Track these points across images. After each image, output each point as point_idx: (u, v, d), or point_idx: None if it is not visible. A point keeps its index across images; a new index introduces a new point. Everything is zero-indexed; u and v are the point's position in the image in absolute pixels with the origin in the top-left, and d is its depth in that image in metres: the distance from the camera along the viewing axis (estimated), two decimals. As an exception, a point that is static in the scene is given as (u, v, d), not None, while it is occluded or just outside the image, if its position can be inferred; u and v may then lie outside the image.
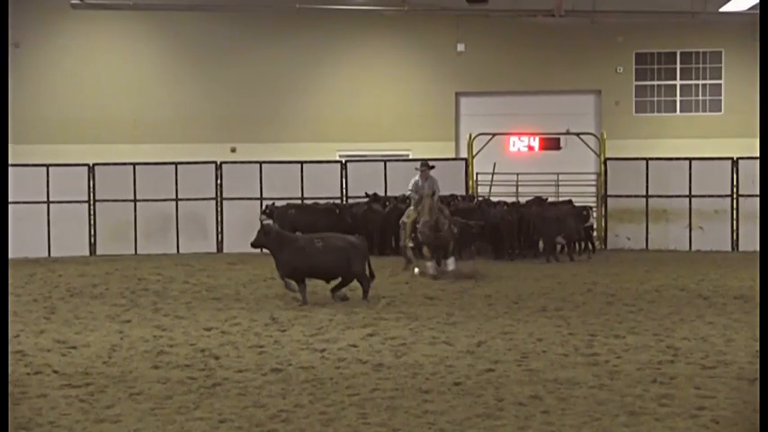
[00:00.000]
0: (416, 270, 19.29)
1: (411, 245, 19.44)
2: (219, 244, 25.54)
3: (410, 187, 20.07)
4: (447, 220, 19.17)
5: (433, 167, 20.14)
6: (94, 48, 32.22)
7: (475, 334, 12.69)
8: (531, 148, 29.94)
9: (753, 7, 26.77)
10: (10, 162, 25.50)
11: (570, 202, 24.42)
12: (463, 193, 25.14)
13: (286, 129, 31.83)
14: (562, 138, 28.81)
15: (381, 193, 25.08)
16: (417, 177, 19.97)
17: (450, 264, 19.06)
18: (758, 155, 18.58)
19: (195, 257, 23.82)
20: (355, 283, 15.70)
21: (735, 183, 25.08)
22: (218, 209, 25.57)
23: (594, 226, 24.47)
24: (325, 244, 15.62)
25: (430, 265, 19.00)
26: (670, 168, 25.44)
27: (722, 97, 31.75)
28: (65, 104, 32.02)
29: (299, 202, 25.11)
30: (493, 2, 27.95)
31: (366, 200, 24.56)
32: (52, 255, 24.61)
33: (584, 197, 26.58)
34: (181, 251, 25.11)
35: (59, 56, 32.25)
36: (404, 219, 20.13)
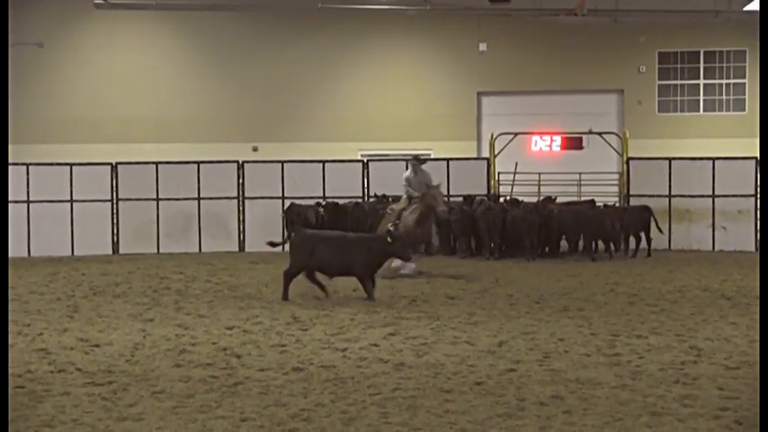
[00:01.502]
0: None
1: (392, 229, 19.20)
2: (241, 243, 25.59)
3: (404, 182, 20.00)
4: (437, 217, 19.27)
5: (424, 162, 20.21)
6: (117, 47, 32.39)
7: (496, 334, 12.67)
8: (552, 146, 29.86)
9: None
10: (34, 161, 25.77)
11: (593, 201, 24.34)
12: (485, 192, 25.07)
13: (307, 128, 31.91)
14: (584, 137, 28.74)
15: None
16: (409, 171, 19.97)
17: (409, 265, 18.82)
18: (759, 154, 18.47)
19: (217, 256, 23.88)
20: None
21: (758, 183, 24.93)
22: (240, 208, 25.63)
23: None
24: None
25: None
26: (693, 168, 25.31)
27: (746, 97, 31.60)
28: (88, 104, 32.21)
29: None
30: (515, 1, 27.94)
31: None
32: (75, 253, 24.73)
33: (607, 197, 26.52)
34: (203, 250, 25.19)
35: (82, 56, 32.43)
36: (392, 207, 20.18)
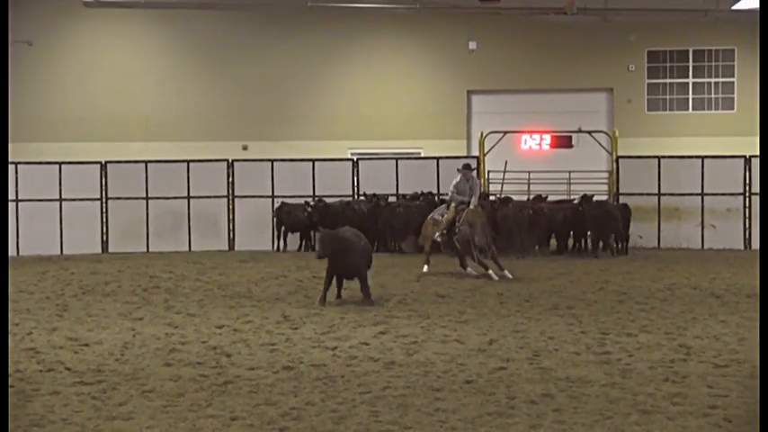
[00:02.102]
0: (425, 268, 19.29)
1: (439, 239, 19.33)
2: (231, 242, 25.57)
3: (451, 188, 19.85)
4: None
5: (474, 169, 20.09)
6: (107, 46, 32.31)
7: (487, 332, 12.68)
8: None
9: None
10: (23, 160, 25.70)
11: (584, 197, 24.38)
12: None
13: (298, 127, 31.87)
14: (574, 136, 28.74)
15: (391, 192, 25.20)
16: (459, 178, 19.78)
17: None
18: (759, 153, 18.53)
19: (207, 255, 23.85)
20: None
21: (747, 181, 25.00)
22: (230, 207, 25.60)
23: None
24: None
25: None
26: (682, 166, 25.37)
27: (735, 95, 31.67)
28: (77, 102, 32.12)
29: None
30: (505, 0, 27.91)
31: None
32: (64, 252, 24.67)
33: (596, 195, 26.52)
34: (192, 249, 25.16)
35: (72, 54, 32.34)
36: (436, 216, 19.87)
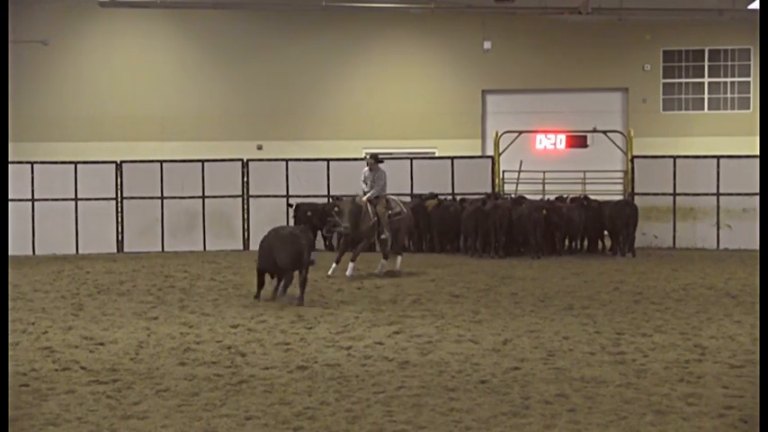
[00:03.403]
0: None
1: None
2: (246, 241, 25.59)
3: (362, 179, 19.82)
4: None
5: (381, 161, 19.89)
6: (122, 46, 32.41)
7: (501, 332, 12.67)
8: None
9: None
10: (38, 159, 25.80)
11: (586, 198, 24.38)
12: (489, 190, 25.01)
13: (312, 126, 31.92)
14: (589, 135, 28.70)
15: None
16: (367, 170, 19.73)
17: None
18: (759, 152, 18.45)
19: (221, 255, 23.90)
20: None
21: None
22: (245, 206, 25.64)
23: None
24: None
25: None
26: (697, 166, 25.29)
27: (750, 95, 31.56)
28: (92, 102, 32.24)
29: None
30: (519, 0, 27.89)
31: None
32: (80, 252, 24.75)
33: (612, 195, 26.49)
34: (207, 248, 25.21)
35: (87, 54, 32.46)
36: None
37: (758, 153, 25.26)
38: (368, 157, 20.22)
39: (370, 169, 19.54)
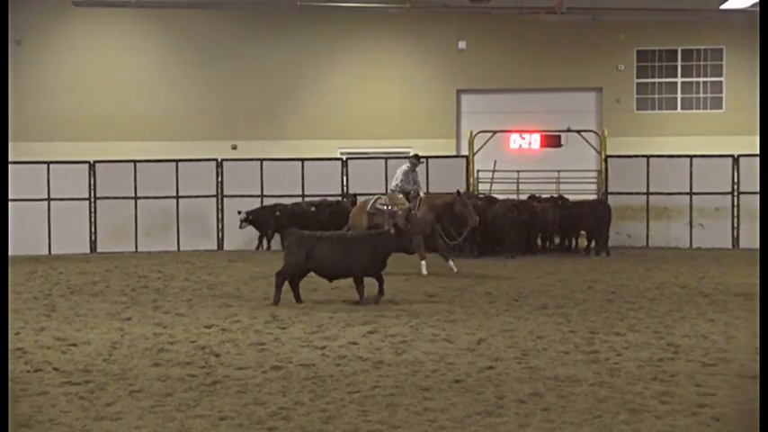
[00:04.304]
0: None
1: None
2: (220, 241, 25.55)
3: (402, 178, 19.89)
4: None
5: (421, 162, 20.72)
6: (96, 45, 32.24)
7: (475, 331, 12.68)
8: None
9: (754, 4, 26.79)
10: (11, 159, 25.61)
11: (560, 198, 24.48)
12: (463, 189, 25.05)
13: (287, 126, 31.85)
14: (563, 135, 28.81)
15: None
16: (408, 168, 19.97)
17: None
18: (759, 152, 18.58)
19: (196, 255, 23.84)
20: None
21: (736, 180, 25.09)
22: (219, 206, 25.58)
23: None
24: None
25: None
26: (671, 166, 25.45)
27: (723, 95, 31.75)
28: (66, 102, 32.05)
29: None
30: (494, 0, 27.94)
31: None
32: (53, 252, 24.63)
33: (586, 194, 26.59)
34: (181, 248, 25.14)
35: (61, 53, 32.27)
36: (378, 206, 19.70)
37: (731, 152, 25.52)
38: (412, 156, 20.54)
39: (413, 168, 19.79)
